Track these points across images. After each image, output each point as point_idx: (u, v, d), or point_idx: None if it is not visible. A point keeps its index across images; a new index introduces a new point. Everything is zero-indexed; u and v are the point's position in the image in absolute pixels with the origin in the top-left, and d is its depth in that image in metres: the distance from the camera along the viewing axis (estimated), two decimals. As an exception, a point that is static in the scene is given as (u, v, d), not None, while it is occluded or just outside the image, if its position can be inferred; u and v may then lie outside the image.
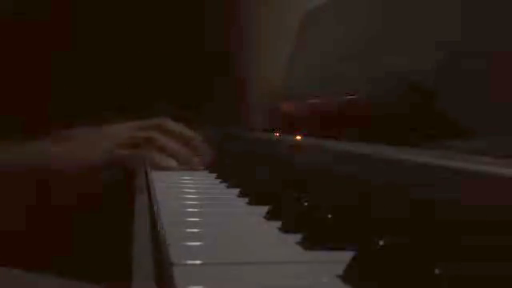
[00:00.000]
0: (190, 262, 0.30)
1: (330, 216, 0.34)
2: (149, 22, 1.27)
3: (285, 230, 0.38)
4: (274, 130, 1.01)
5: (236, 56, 1.41)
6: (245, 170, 0.66)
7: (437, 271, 0.23)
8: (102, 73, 1.10)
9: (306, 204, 0.40)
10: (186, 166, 0.76)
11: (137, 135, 0.79)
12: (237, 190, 0.55)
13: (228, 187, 0.60)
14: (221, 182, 0.64)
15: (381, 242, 0.27)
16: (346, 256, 0.28)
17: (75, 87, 1.03)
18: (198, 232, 0.37)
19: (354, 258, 0.28)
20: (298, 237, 0.35)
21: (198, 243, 0.34)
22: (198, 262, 0.30)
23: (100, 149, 0.77)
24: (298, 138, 0.86)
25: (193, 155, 0.78)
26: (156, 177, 0.65)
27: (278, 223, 0.40)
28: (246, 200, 0.50)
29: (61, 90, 1.01)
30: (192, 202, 0.50)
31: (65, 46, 1.04)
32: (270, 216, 0.42)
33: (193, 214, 0.44)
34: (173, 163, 0.76)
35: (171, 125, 0.81)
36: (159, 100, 0.93)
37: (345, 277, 0.27)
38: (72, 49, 1.05)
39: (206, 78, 1.39)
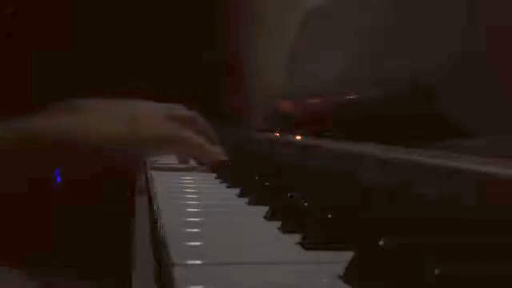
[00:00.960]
0: (190, 262, 0.30)
1: (329, 216, 0.34)
2: (150, 21, 1.27)
3: (285, 230, 0.38)
4: (273, 130, 1.01)
5: (236, 55, 1.41)
6: (245, 170, 0.66)
7: (437, 271, 0.23)
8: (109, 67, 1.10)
9: (305, 204, 0.40)
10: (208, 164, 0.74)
11: (173, 131, 0.73)
12: (237, 190, 0.55)
13: (228, 187, 0.60)
14: (221, 182, 0.64)
15: (381, 242, 0.27)
16: (346, 256, 0.28)
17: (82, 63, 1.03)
18: (198, 232, 0.37)
19: (353, 258, 0.28)
20: (298, 237, 0.35)
21: (198, 243, 0.34)
22: (198, 261, 0.30)
23: (141, 122, 0.70)
24: (298, 137, 0.86)
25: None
26: (156, 177, 0.65)
27: (278, 223, 0.40)
28: (246, 200, 0.50)
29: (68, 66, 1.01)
30: (192, 202, 0.50)
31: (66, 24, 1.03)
32: (270, 216, 0.42)
33: (193, 214, 0.44)
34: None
35: (202, 122, 0.78)
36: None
37: (345, 277, 0.27)
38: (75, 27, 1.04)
39: (206, 77, 1.39)
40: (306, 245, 0.34)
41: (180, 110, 0.77)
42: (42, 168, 0.73)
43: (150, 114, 0.72)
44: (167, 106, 0.76)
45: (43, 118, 0.68)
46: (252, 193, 0.51)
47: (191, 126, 0.75)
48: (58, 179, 0.87)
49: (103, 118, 0.69)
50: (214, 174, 0.70)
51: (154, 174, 0.68)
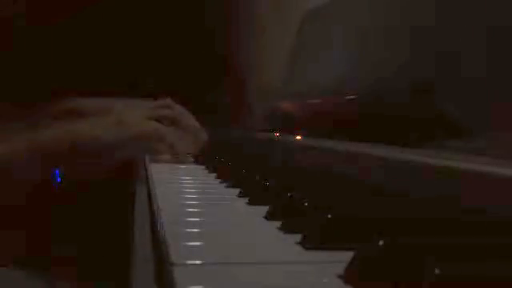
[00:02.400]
0: (190, 262, 0.30)
1: (329, 216, 0.34)
2: (150, 20, 1.27)
3: (285, 230, 0.38)
4: (274, 130, 1.01)
5: (236, 56, 1.41)
6: (245, 170, 0.66)
7: (437, 271, 0.23)
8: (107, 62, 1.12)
9: (306, 204, 0.40)
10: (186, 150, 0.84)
11: (154, 113, 0.83)
12: (237, 190, 0.55)
13: (228, 187, 0.60)
14: (221, 182, 0.64)
15: (381, 242, 0.27)
16: (346, 256, 0.28)
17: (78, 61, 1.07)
18: (198, 232, 0.37)
19: (354, 258, 0.28)
20: (298, 237, 0.35)
21: (198, 243, 0.34)
22: (198, 261, 0.30)
23: (126, 123, 0.78)
24: (298, 137, 0.86)
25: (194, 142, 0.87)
26: (156, 177, 0.65)
27: (278, 223, 0.40)
28: (246, 200, 0.50)
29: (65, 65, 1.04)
30: (192, 202, 0.50)
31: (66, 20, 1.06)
32: (270, 216, 0.42)
33: (193, 214, 0.44)
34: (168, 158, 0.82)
35: (185, 120, 0.88)
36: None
37: (345, 277, 0.27)
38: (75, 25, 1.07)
39: (206, 77, 1.39)
40: (305, 245, 0.34)
41: (163, 110, 0.87)
42: (42, 171, 0.79)
43: (134, 117, 0.81)
44: (151, 107, 0.86)
45: (48, 127, 0.77)
46: (252, 193, 0.51)
47: (174, 124, 0.85)
48: (58, 179, 0.87)
49: (96, 123, 0.78)
50: (214, 174, 0.70)
51: (154, 174, 0.68)
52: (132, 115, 0.81)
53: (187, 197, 0.53)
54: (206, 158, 0.85)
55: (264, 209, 0.44)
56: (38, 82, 1.00)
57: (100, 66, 1.13)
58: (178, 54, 1.36)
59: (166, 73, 1.33)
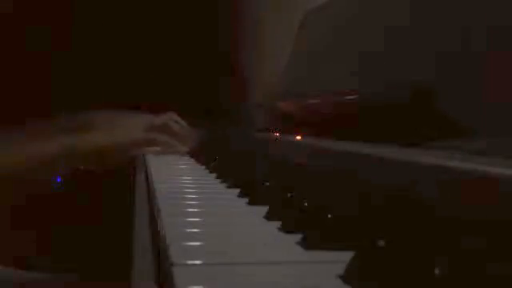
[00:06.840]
0: (190, 262, 0.30)
1: (330, 216, 0.34)
2: (152, 24, 1.28)
3: (285, 230, 0.38)
4: (273, 130, 1.01)
5: (237, 56, 1.41)
6: (245, 170, 0.66)
7: (437, 271, 0.23)
8: (106, 71, 1.16)
9: (305, 204, 0.40)
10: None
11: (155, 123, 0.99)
12: (237, 190, 0.55)
13: (228, 187, 0.60)
14: (221, 182, 0.64)
15: (381, 242, 0.27)
16: (346, 256, 0.28)
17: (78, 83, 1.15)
18: (198, 232, 0.37)
19: (354, 258, 0.28)
20: (298, 237, 0.35)
21: (197, 243, 0.34)
22: (197, 261, 0.30)
23: (133, 131, 0.96)
24: (298, 137, 0.86)
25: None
26: (156, 177, 0.65)
27: (278, 223, 0.40)
28: (246, 200, 0.50)
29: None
30: (192, 202, 0.50)
31: (67, 43, 1.13)
32: (269, 216, 0.42)
33: (193, 214, 0.44)
34: (182, 149, 0.98)
35: (175, 126, 1.01)
36: (160, 99, 1.01)
37: (345, 277, 0.27)
38: (74, 46, 1.13)
39: (207, 78, 1.39)
40: (305, 245, 0.34)
41: (156, 119, 1.01)
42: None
43: (133, 126, 0.98)
44: (146, 118, 1.02)
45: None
46: (252, 193, 0.51)
47: (166, 130, 0.99)
48: (58, 179, 0.87)
49: (110, 132, 0.94)
50: (214, 174, 0.70)
51: (154, 174, 0.68)
52: (132, 125, 0.98)
53: (187, 197, 0.53)
54: (206, 157, 0.85)
55: (264, 209, 0.44)
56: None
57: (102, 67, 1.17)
58: (180, 55, 1.36)
59: (167, 74, 1.33)
